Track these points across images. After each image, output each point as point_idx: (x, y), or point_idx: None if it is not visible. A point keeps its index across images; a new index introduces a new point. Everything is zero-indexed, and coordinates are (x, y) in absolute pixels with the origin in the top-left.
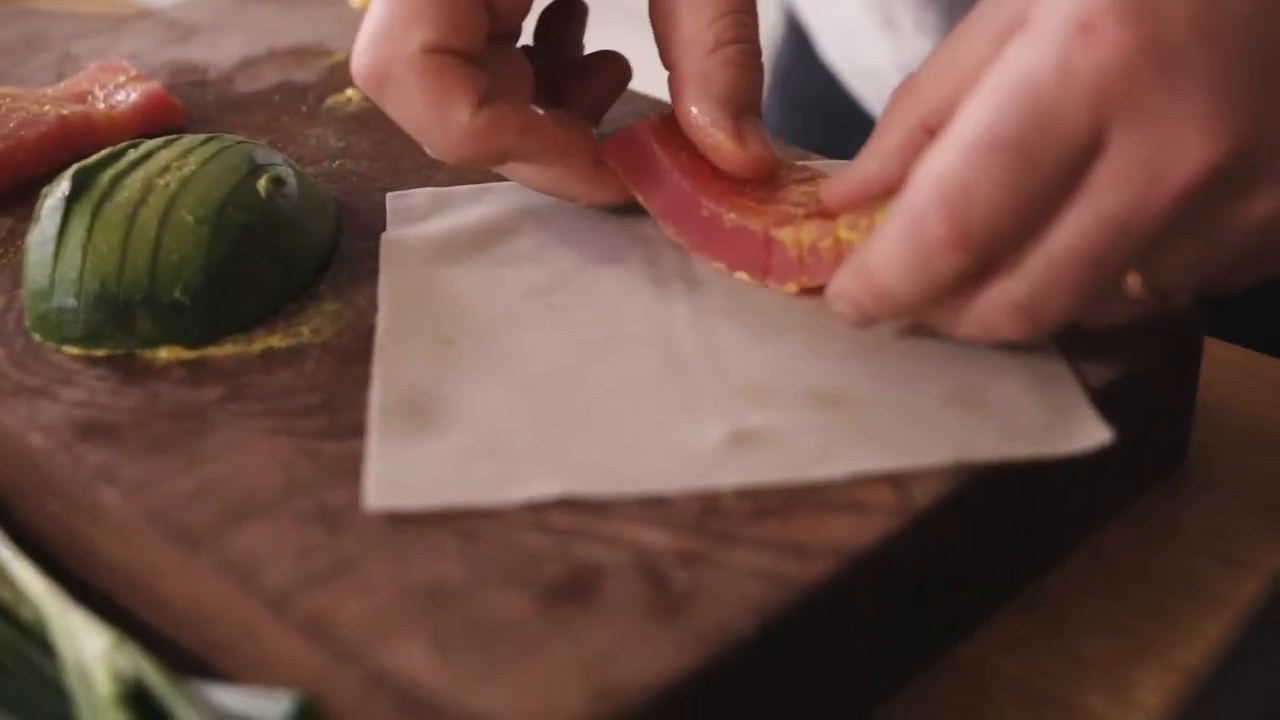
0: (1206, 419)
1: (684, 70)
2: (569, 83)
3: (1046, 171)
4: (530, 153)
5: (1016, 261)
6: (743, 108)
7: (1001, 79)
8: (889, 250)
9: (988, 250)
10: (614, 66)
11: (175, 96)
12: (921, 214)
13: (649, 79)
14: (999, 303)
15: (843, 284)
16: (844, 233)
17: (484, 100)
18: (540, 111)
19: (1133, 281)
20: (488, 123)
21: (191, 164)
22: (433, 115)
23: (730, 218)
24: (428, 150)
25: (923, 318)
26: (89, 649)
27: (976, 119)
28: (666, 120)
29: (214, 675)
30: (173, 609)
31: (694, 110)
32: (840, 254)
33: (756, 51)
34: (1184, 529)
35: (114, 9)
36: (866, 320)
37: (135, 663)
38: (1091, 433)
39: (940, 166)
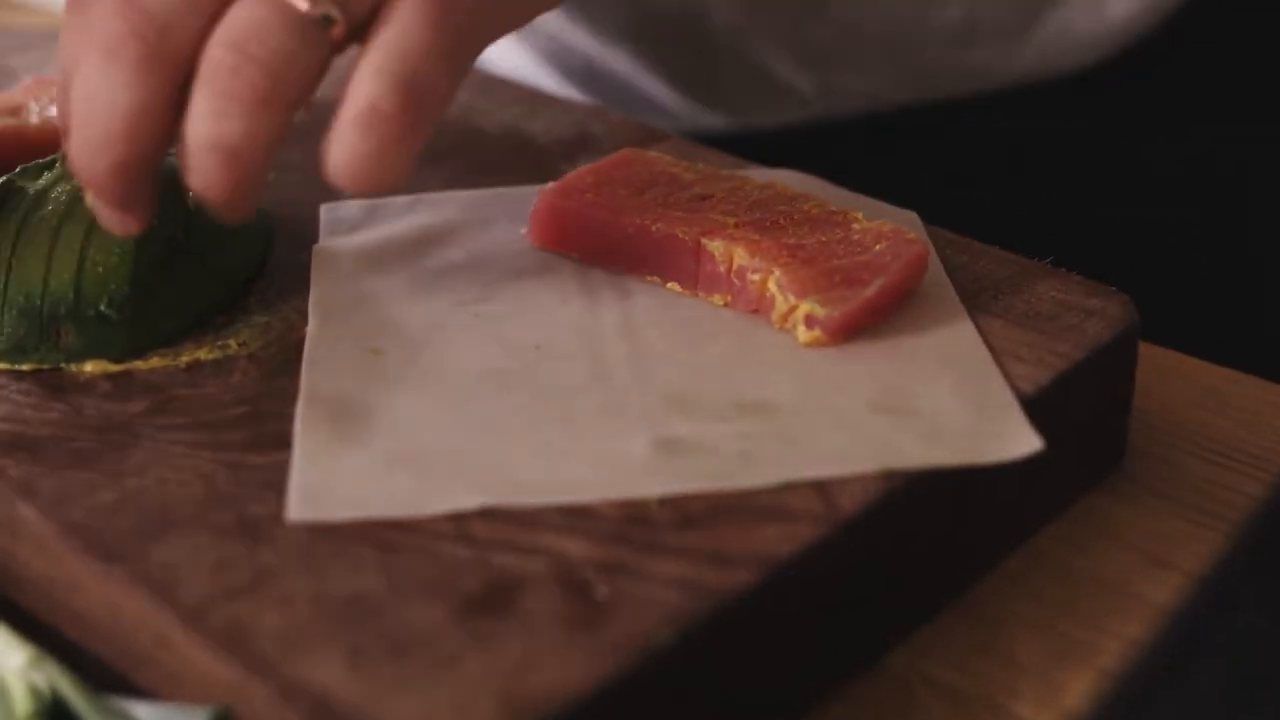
0: (1144, 423)
1: None
2: None
3: None
4: None
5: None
6: None
7: None
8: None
9: (154, 22)
10: None
11: None
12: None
13: None
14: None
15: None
16: (771, 285)
17: None
18: None
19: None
20: None
21: None
22: None
23: (658, 228)
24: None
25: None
26: (6, 666)
27: None
28: (562, 183)
29: (134, 689)
30: (92, 623)
31: None
32: (764, 296)
33: None
34: (1120, 533)
35: (54, 23)
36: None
37: (52, 679)
38: (1022, 440)
39: None
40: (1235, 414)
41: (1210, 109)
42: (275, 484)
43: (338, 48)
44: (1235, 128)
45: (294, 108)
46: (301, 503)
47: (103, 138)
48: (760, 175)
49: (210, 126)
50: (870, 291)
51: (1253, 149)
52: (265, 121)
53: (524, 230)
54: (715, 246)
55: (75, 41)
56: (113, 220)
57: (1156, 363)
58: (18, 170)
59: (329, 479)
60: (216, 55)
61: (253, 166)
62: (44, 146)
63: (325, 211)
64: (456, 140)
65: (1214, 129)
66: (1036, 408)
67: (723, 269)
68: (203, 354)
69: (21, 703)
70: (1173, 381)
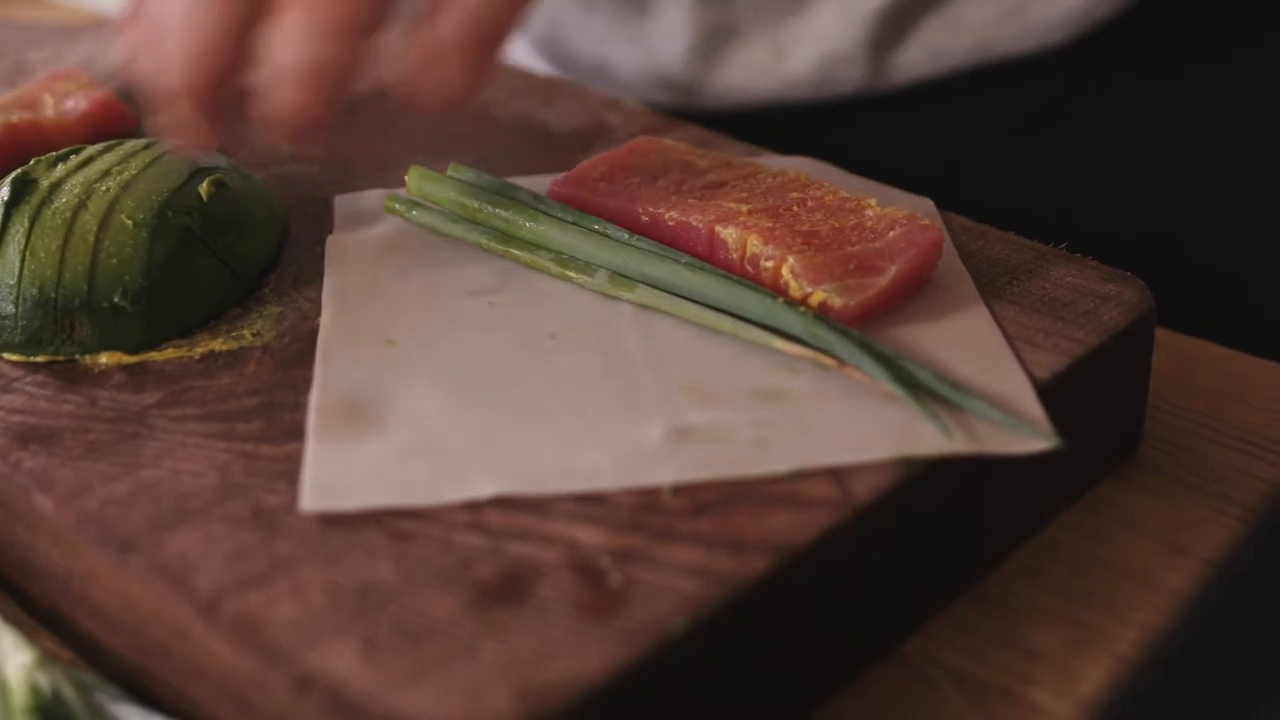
0: (1161, 410)
1: None
2: None
3: None
4: None
5: None
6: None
7: None
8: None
9: None
10: None
11: (128, 103)
12: None
13: None
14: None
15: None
16: (785, 273)
17: None
18: None
19: None
20: None
21: (132, 168)
22: None
23: (672, 216)
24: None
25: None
26: (12, 664)
27: None
28: (576, 171)
29: (150, 681)
30: (108, 615)
31: None
32: (778, 284)
33: None
34: (1136, 520)
35: (68, 17)
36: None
37: (56, 681)
38: (1038, 433)
39: None
40: (1253, 400)
41: (1230, 88)
42: (289, 474)
43: None
44: (1256, 108)
45: (371, 34)
46: (315, 493)
47: (199, 50)
48: (774, 162)
49: (294, 51)
50: (885, 279)
51: (1272, 130)
52: (346, 46)
53: None
54: (729, 234)
55: None
56: (199, 131)
57: (1173, 349)
58: (32, 162)
59: (343, 469)
60: None
61: (331, 89)
62: (61, 140)
63: (340, 203)
64: (471, 130)
65: (1233, 111)
66: (1053, 394)
67: (736, 256)
68: (217, 345)
69: (20, 698)
70: (1189, 367)
